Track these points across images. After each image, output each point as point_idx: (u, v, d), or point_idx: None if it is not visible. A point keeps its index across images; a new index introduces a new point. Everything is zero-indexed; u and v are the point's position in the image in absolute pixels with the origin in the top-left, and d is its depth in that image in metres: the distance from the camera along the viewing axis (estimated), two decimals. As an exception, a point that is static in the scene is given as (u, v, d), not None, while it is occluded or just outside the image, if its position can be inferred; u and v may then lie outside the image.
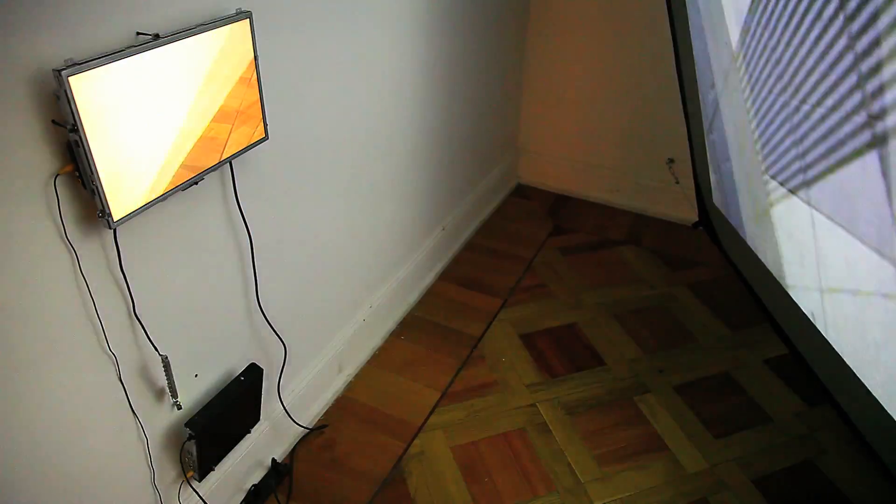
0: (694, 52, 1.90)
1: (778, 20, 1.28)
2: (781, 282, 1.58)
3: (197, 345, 1.54)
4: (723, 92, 1.72)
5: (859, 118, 1.06)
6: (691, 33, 1.86)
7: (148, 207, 1.20)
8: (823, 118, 1.17)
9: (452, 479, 1.96)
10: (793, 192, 1.38)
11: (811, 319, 1.45)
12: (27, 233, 1.06)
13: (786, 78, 1.30)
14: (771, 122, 1.42)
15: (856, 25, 1.01)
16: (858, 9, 1.00)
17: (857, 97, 1.05)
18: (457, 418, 2.16)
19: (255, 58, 1.35)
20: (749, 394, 2.25)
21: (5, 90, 0.97)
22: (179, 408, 1.51)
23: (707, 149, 2.05)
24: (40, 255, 1.09)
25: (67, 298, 1.17)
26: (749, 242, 1.80)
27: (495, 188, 3.32)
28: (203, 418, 1.52)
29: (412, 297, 2.65)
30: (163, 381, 1.43)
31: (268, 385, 1.83)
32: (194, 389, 1.57)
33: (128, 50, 1.07)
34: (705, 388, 2.28)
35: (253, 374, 1.66)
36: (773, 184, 1.48)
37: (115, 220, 1.13)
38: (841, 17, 1.05)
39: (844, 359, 1.32)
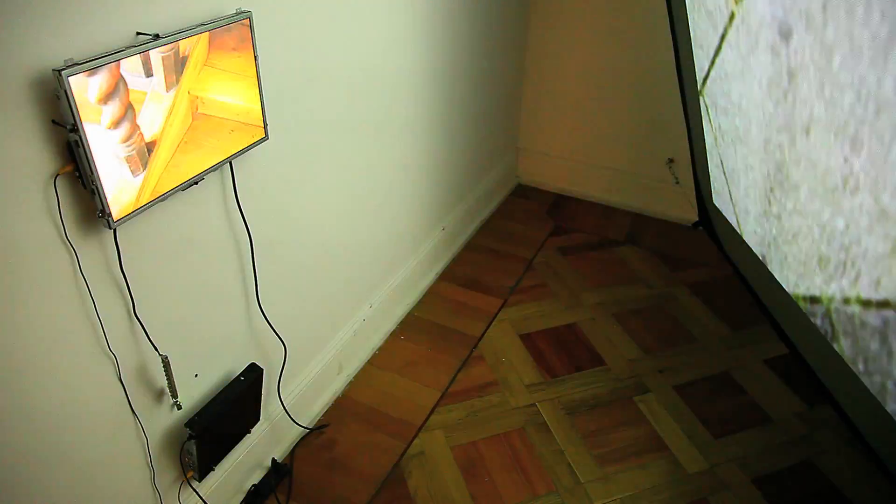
0: (693, 51, 1.90)
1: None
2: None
3: (197, 345, 1.54)
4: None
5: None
6: (691, 32, 1.86)
7: (148, 207, 1.20)
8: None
9: (452, 479, 1.96)
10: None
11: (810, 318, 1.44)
12: (27, 233, 1.06)
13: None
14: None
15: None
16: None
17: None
18: (457, 418, 2.16)
19: (255, 57, 1.35)
20: (749, 394, 2.25)
21: (5, 90, 0.97)
22: (179, 408, 1.51)
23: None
24: (40, 255, 1.10)
25: (67, 298, 1.17)
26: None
27: (495, 188, 3.32)
28: (203, 418, 1.52)
29: (412, 297, 2.65)
30: (163, 381, 1.43)
31: (268, 385, 1.84)
32: (194, 389, 1.57)
33: (128, 50, 1.07)
34: (705, 388, 2.28)
35: (253, 374, 1.66)
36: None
37: (114, 220, 1.13)
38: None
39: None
